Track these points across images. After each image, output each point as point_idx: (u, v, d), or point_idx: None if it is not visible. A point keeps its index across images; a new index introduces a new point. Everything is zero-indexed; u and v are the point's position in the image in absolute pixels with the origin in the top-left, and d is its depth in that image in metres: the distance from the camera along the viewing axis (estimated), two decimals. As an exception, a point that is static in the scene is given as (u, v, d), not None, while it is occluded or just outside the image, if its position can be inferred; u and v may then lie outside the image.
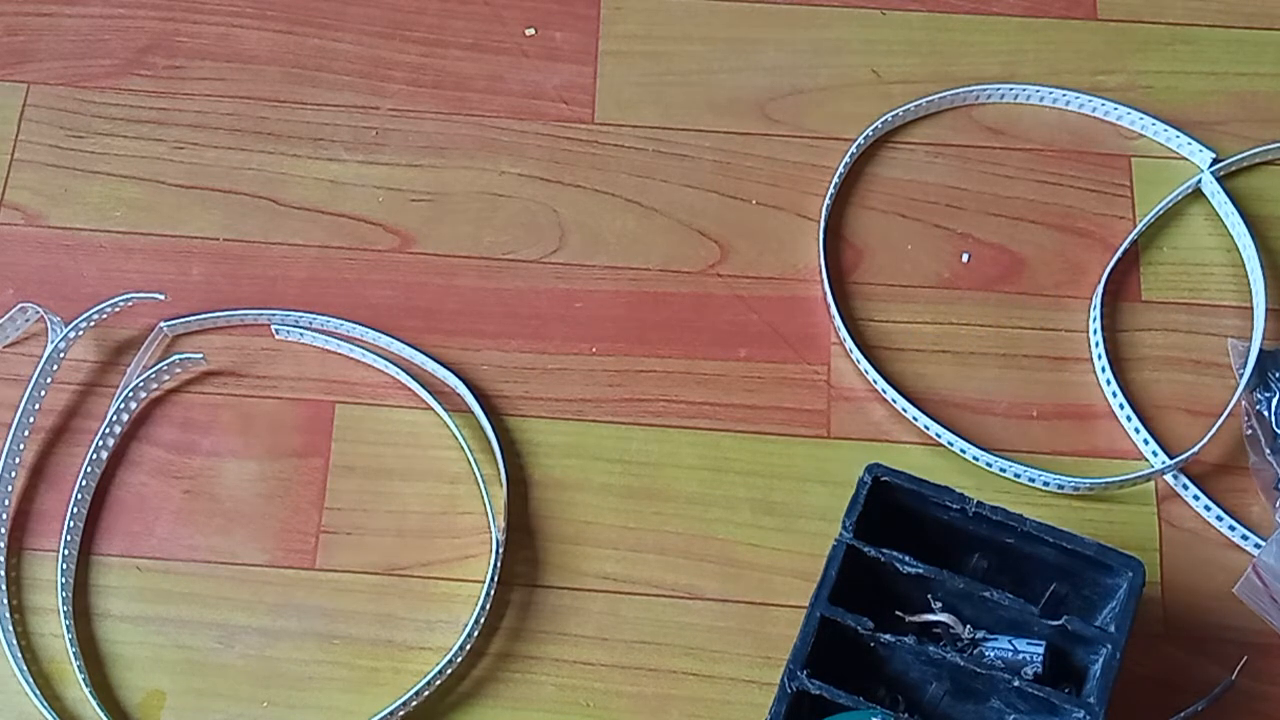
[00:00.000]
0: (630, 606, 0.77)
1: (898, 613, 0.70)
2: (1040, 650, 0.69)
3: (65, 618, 0.76)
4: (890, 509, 0.70)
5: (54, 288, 0.85)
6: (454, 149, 0.88)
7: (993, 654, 0.69)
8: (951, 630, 0.70)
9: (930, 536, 0.70)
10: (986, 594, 0.68)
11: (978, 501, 0.69)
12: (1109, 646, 0.67)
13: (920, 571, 0.68)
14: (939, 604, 0.70)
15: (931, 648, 0.68)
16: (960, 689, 0.70)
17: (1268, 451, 0.79)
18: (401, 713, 0.74)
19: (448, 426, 0.81)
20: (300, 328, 0.83)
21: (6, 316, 0.82)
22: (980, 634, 0.70)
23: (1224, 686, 0.73)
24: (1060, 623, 0.68)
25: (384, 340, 0.83)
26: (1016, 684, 0.67)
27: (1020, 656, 0.69)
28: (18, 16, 0.92)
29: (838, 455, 0.80)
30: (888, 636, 0.67)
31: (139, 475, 0.80)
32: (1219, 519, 0.78)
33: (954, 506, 0.69)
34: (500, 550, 0.77)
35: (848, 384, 0.82)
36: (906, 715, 0.66)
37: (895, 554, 0.68)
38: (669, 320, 0.84)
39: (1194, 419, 0.81)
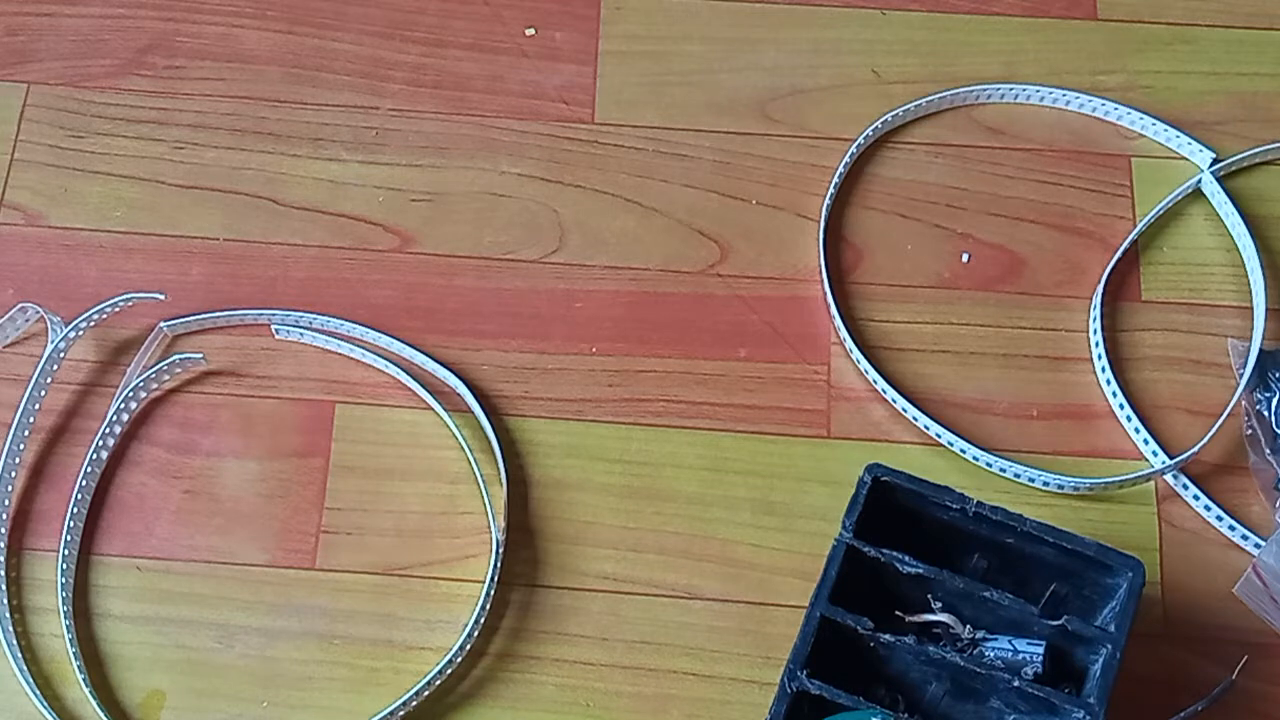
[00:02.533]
0: (630, 606, 0.77)
1: (897, 613, 0.70)
2: (1040, 650, 0.69)
3: (65, 618, 0.76)
4: (890, 509, 0.70)
5: (54, 288, 0.85)
6: (454, 149, 0.88)
7: (993, 654, 0.69)
8: (951, 630, 0.70)
9: (930, 536, 0.70)
10: (986, 594, 0.68)
11: (978, 501, 0.69)
12: (1109, 646, 0.67)
13: (920, 571, 0.68)
14: (939, 604, 0.70)
15: (931, 648, 0.68)
16: (960, 689, 0.70)
17: (1268, 451, 0.79)
18: (401, 713, 0.74)
19: (448, 426, 0.81)
20: (300, 328, 0.83)
21: (6, 316, 0.82)
22: (980, 634, 0.70)
23: (1224, 687, 0.73)
24: (1060, 623, 0.68)
25: (384, 340, 0.83)
26: (1016, 684, 0.67)
27: (1020, 656, 0.69)
28: (18, 16, 0.92)
29: (838, 455, 0.80)
30: (888, 636, 0.67)
31: (139, 475, 0.80)
32: (1219, 519, 0.78)
33: (954, 506, 0.69)
34: (500, 550, 0.77)
35: (848, 384, 0.82)
36: (906, 715, 0.66)
37: (895, 554, 0.68)
38: (669, 320, 0.84)
39: (1194, 419, 0.81)
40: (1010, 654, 0.69)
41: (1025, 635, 0.70)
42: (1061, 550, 0.68)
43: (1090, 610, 0.71)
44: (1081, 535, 0.68)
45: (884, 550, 0.68)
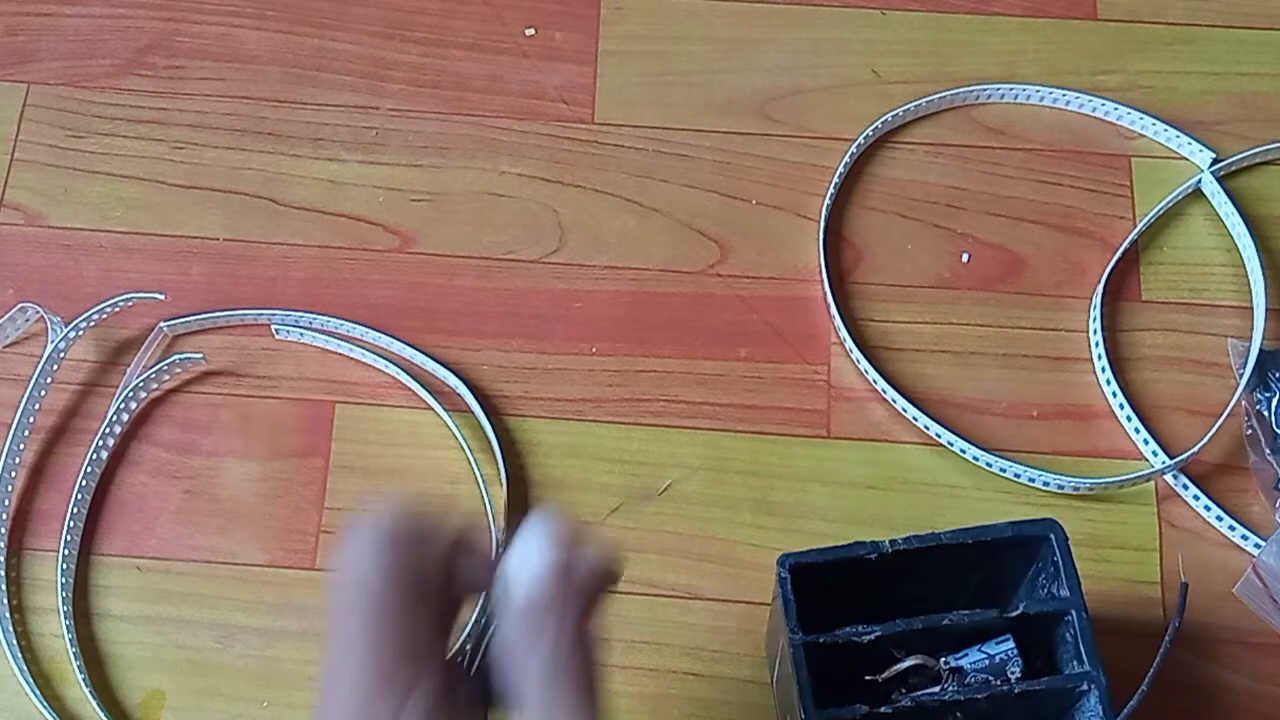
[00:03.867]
0: (630, 606, 0.77)
1: (867, 677, 0.68)
2: (1010, 645, 0.68)
3: (65, 618, 0.76)
4: (819, 575, 0.68)
5: (54, 288, 0.85)
6: (454, 149, 0.88)
7: (970, 668, 0.68)
8: (927, 668, 0.69)
9: (865, 578, 0.69)
10: (945, 622, 0.67)
11: (889, 541, 0.67)
12: (1073, 611, 0.67)
13: (878, 634, 0.67)
14: (902, 652, 0.69)
15: (927, 697, 0.67)
16: (976, 715, 0.69)
17: (1268, 451, 0.79)
18: (401, 713, 0.74)
19: (448, 426, 0.81)
20: (300, 328, 0.83)
21: (6, 316, 0.82)
22: (950, 658, 0.69)
23: (1175, 624, 0.71)
24: (1019, 612, 0.67)
25: (384, 340, 0.83)
26: (1018, 690, 0.66)
27: (997, 659, 0.68)
28: (18, 16, 0.92)
29: (838, 455, 0.80)
30: (886, 710, 0.66)
31: (139, 475, 0.80)
32: (1219, 519, 0.78)
33: (871, 556, 0.67)
34: (500, 550, 0.77)
35: (848, 384, 0.82)
36: None
37: (849, 631, 0.67)
38: (669, 320, 0.84)
39: (1194, 419, 0.81)
40: (986, 661, 0.68)
41: (987, 638, 0.69)
42: (982, 545, 0.68)
43: (1014, 585, 0.70)
44: (993, 524, 0.68)
45: (838, 634, 0.67)
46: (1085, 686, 0.66)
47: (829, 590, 0.67)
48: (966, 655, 0.69)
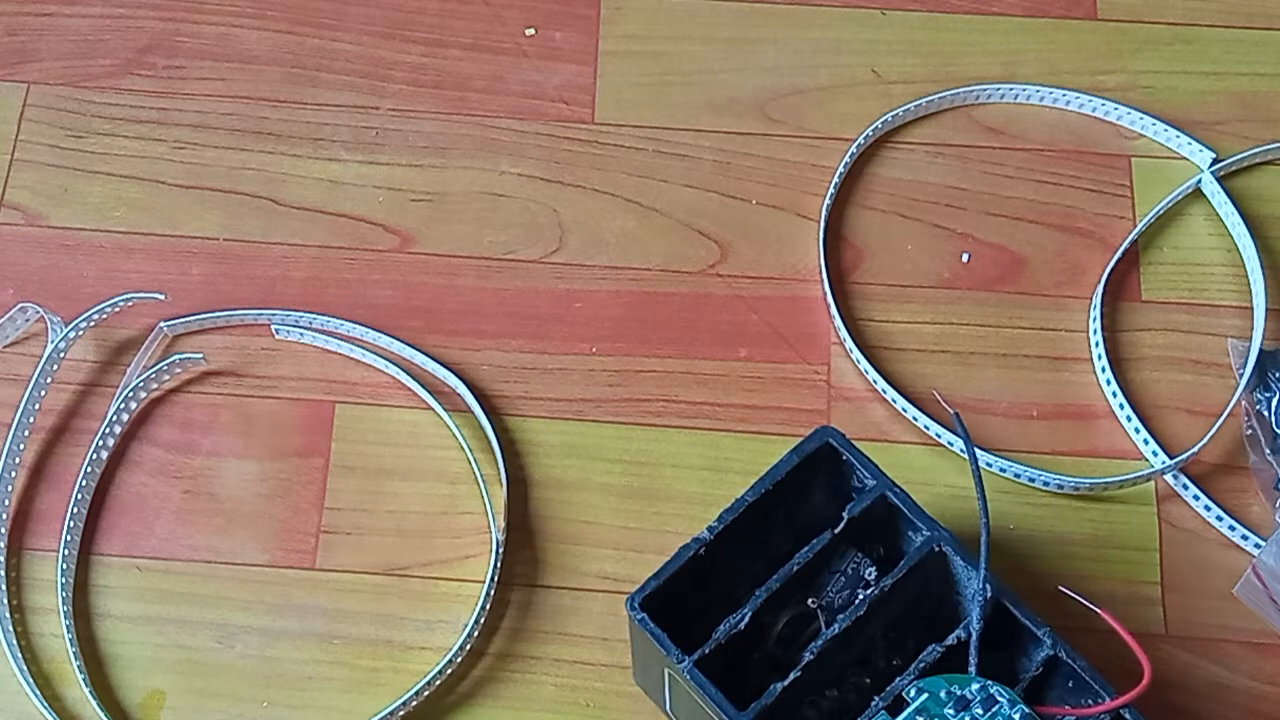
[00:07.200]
0: (630, 606, 0.77)
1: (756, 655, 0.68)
2: (854, 552, 0.68)
3: (65, 618, 0.76)
4: (669, 592, 0.67)
5: (54, 288, 0.85)
6: (454, 149, 0.88)
7: (832, 594, 0.68)
8: (802, 616, 0.69)
9: (715, 563, 0.68)
10: (796, 567, 0.67)
11: (707, 529, 0.67)
12: (885, 492, 0.67)
13: (747, 614, 0.66)
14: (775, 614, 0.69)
15: (823, 643, 0.66)
16: (874, 635, 0.69)
17: (1268, 451, 0.79)
18: (401, 713, 0.74)
19: (448, 426, 0.81)
20: (300, 328, 0.83)
21: (6, 316, 0.82)
22: (813, 599, 0.68)
23: None
24: (845, 520, 0.67)
25: (384, 340, 0.83)
26: (888, 586, 0.66)
27: (849, 569, 0.68)
28: (18, 16, 0.92)
29: (838, 455, 0.80)
30: (797, 674, 0.65)
31: (139, 475, 0.80)
32: (1219, 519, 0.78)
33: (701, 551, 0.67)
34: (500, 550, 0.77)
35: (848, 384, 0.82)
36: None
37: (726, 628, 0.66)
38: (669, 320, 0.84)
39: (1194, 419, 0.81)
40: (843, 579, 0.68)
41: (843, 562, 0.69)
42: (789, 485, 0.68)
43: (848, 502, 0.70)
44: (779, 460, 0.67)
45: (718, 636, 0.65)
46: (937, 547, 0.66)
47: (688, 598, 0.67)
48: (826, 585, 0.69)
